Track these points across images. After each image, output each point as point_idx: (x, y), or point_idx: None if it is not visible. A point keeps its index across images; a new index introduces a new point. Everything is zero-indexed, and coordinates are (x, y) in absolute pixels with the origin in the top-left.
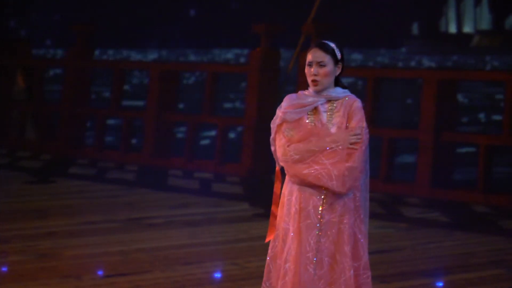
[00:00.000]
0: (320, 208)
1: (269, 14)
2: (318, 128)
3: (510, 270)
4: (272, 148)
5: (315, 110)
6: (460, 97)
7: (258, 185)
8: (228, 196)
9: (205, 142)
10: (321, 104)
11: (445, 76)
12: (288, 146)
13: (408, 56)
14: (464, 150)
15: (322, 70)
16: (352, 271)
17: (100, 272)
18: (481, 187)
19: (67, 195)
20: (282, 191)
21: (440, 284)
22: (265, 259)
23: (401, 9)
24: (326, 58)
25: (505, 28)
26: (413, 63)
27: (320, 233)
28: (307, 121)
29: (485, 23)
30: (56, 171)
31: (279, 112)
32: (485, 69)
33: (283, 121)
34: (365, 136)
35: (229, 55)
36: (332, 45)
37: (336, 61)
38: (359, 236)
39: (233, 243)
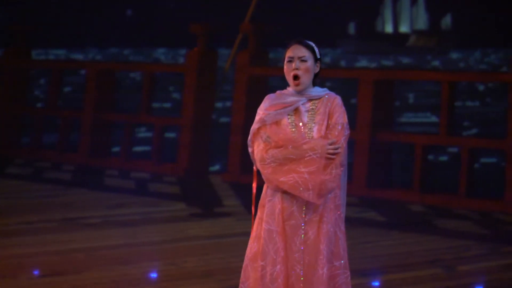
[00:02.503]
0: (304, 208)
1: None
2: (296, 132)
3: (446, 269)
4: (250, 150)
5: (296, 110)
6: (410, 97)
7: (194, 185)
8: (165, 196)
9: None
10: (302, 104)
11: (381, 76)
12: (266, 151)
13: (351, 56)
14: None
15: (303, 65)
16: (325, 269)
17: (36, 272)
18: (417, 186)
19: (3, 194)
20: (264, 192)
21: (377, 283)
22: (203, 258)
23: (337, 9)
24: (307, 54)
25: (441, 28)
26: (355, 64)
27: (303, 233)
28: (288, 121)
29: (421, 23)
30: None
31: (259, 113)
32: (426, 69)
33: (262, 124)
34: (346, 132)
35: (167, 55)
36: (311, 43)
37: (315, 59)
38: (339, 235)
39: (170, 243)
